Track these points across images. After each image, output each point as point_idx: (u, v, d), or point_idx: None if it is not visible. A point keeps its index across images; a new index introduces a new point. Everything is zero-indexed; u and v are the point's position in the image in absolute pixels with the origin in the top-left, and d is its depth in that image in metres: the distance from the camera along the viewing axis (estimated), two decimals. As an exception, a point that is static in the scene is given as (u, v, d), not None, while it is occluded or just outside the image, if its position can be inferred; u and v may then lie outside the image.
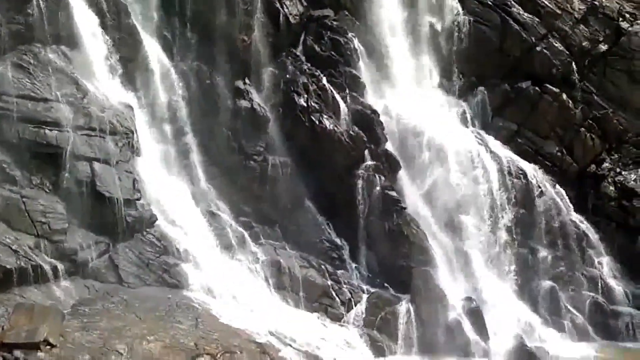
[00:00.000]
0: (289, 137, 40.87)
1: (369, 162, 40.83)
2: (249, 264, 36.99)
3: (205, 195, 38.64)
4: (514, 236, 42.16)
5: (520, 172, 43.33)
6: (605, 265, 42.80)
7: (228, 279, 35.44)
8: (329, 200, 40.29)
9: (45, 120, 32.87)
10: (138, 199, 34.51)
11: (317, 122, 40.01)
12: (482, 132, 44.80)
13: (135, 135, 35.90)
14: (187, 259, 34.88)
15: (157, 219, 35.24)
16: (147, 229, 34.72)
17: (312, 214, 40.21)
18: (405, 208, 40.19)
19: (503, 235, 41.95)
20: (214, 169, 39.49)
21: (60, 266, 31.20)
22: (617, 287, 41.97)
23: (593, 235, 43.25)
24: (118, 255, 33.23)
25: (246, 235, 38.26)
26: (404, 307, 37.85)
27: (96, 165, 33.68)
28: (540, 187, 43.24)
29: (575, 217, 43.45)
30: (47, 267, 30.52)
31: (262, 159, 39.93)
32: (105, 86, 36.19)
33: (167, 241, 34.92)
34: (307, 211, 40.22)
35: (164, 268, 33.91)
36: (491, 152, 43.11)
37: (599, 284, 42.06)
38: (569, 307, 41.20)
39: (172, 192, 37.44)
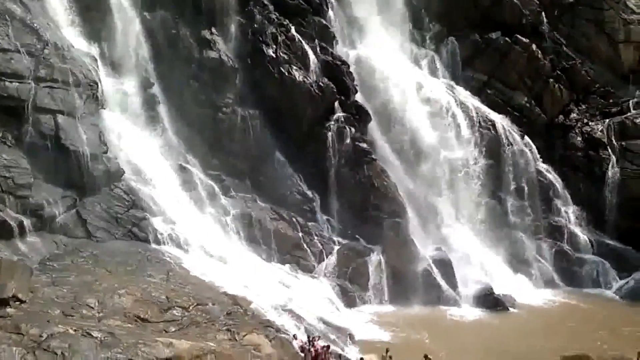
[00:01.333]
0: (258, 88, 40.29)
1: (339, 114, 40.60)
2: (219, 217, 36.75)
3: (173, 149, 38.05)
4: (483, 186, 42.53)
5: (489, 123, 43.56)
6: (571, 214, 43.62)
7: (199, 232, 35.18)
8: (299, 152, 40.03)
9: (4, 71, 31.71)
10: (104, 153, 33.78)
11: (286, 73, 39.45)
12: (452, 83, 44.81)
13: (99, 87, 34.92)
14: (157, 212, 34.44)
15: (124, 173, 34.61)
16: (115, 183, 34.09)
17: (282, 166, 39.96)
18: (375, 159, 40.21)
19: (472, 186, 42.28)
20: (182, 121, 38.82)
21: (27, 221, 30.51)
22: (582, 235, 42.88)
23: (560, 185, 43.94)
24: (86, 209, 32.62)
25: (216, 188, 37.95)
26: (375, 258, 38.32)
27: (60, 118, 32.75)
28: (508, 138, 43.54)
29: (543, 167, 44.05)
30: (12, 223, 29.81)
31: (231, 111, 39.37)
32: (67, 37, 35.06)
33: (136, 195, 34.38)
34: (278, 163, 39.95)
35: (133, 222, 33.45)
36: (461, 103, 43.13)
37: (565, 233, 42.95)
38: (535, 255, 42.06)
39: (139, 145, 36.80)
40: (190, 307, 28.57)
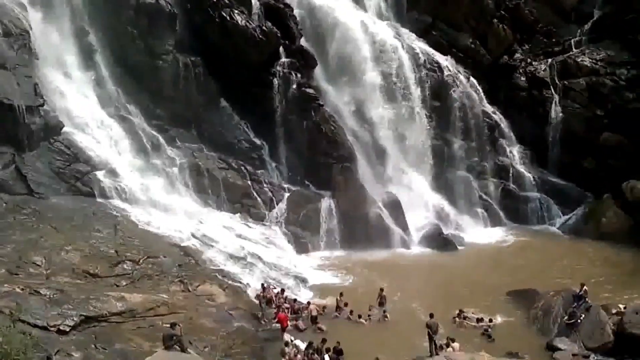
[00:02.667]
0: (199, 34, 38.98)
1: (284, 59, 39.73)
2: (166, 168, 35.87)
3: (113, 99, 36.63)
4: (430, 129, 42.70)
5: (435, 65, 43.38)
6: (516, 154, 44.32)
7: (145, 184, 34.37)
8: (245, 99, 39.11)
9: None
10: (41, 106, 32.29)
11: (227, 18, 38.12)
12: (398, 25, 44.24)
13: (31, 36, 33.17)
14: (100, 166, 33.39)
15: (64, 126, 33.29)
16: (55, 137, 32.78)
17: (228, 114, 39.12)
18: (322, 105, 39.72)
19: (419, 129, 42.39)
20: (121, 70, 37.22)
21: (-38, 179, 29.27)
22: (527, 174, 43.70)
23: (505, 125, 44.45)
24: (25, 165, 31.29)
25: (161, 138, 36.91)
26: (325, 203, 38.29)
27: (-10, 70, 31.09)
28: (454, 80, 43.56)
29: (488, 108, 44.35)
30: (-54, 181, 28.56)
31: (172, 59, 37.94)
32: (-7, -17, 33.04)
33: (77, 149, 33.21)
34: (223, 111, 39.08)
35: (76, 176, 32.39)
36: (406, 45, 42.73)
37: (510, 172, 43.68)
38: (482, 194, 42.78)
39: (77, 97, 35.35)
40: (141, 260, 28.17)
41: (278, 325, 26.19)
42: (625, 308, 26.65)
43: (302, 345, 24.88)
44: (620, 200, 39.47)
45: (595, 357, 24.84)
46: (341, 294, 29.22)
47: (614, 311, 26.93)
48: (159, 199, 34.20)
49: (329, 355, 20.97)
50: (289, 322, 26.56)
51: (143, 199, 33.58)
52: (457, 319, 27.80)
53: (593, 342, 25.70)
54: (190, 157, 37.10)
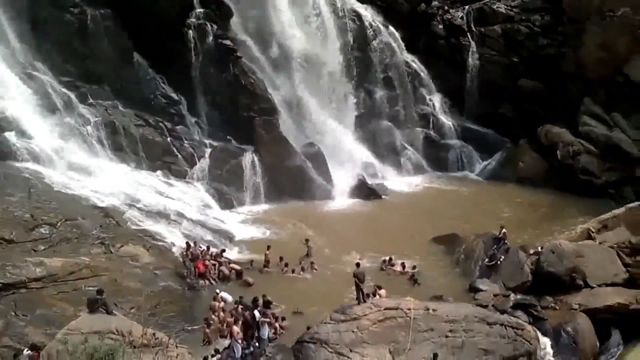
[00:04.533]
0: (107, -15, 37.00)
1: (199, 10, 38.25)
2: (79, 127, 34.23)
3: (18, 56, 34.41)
4: (351, 79, 42.50)
5: (354, 14, 42.94)
6: (436, 102, 44.88)
7: (58, 145, 32.74)
8: (159, 53, 37.42)
9: None
10: (-61, 64, 30.04)
11: (136, -34, 36.29)
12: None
13: None
14: (9, 127, 31.49)
15: (-34, 86, 31.17)
16: (-45, 98, 30.67)
17: (142, 68, 37.46)
18: (241, 57, 38.60)
19: (340, 79, 42.12)
20: (25, 25, 34.84)
21: None
22: (447, 122, 44.44)
23: (425, 74, 44.74)
24: None
25: (72, 96, 34.99)
26: (248, 157, 37.74)
27: None
28: (374, 29, 43.32)
29: (408, 57, 44.47)
30: None
31: (79, 12, 35.81)
32: None
33: (-18, 110, 31.21)
34: (137, 66, 37.37)
35: (-17, 139, 30.52)
36: (325, -6, 42.01)
37: (431, 120, 44.28)
38: (404, 144, 43.23)
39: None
40: (59, 224, 27.00)
41: (226, 296, 25.78)
42: (542, 248, 27.52)
43: (230, 298, 24.86)
44: (536, 144, 40.74)
45: (515, 296, 25.66)
46: (268, 247, 29.04)
47: (531, 251, 27.84)
48: (74, 159, 32.67)
49: (257, 310, 20.76)
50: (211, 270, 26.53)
51: (57, 160, 31.99)
52: (383, 266, 28.19)
53: (513, 282, 26.56)
54: (105, 115, 35.46)
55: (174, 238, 29.87)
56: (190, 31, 37.71)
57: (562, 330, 23.52)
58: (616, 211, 30.16)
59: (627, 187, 36.75)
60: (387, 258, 28.53)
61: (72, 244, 26.28)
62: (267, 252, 28.75)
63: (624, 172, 37.34)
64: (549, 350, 23.19)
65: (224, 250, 28.76)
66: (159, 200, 32.80)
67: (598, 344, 23.80)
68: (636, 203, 30.65)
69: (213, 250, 28.45)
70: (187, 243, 28.58)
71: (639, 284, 24.92)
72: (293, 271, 27.93)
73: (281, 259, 28.41)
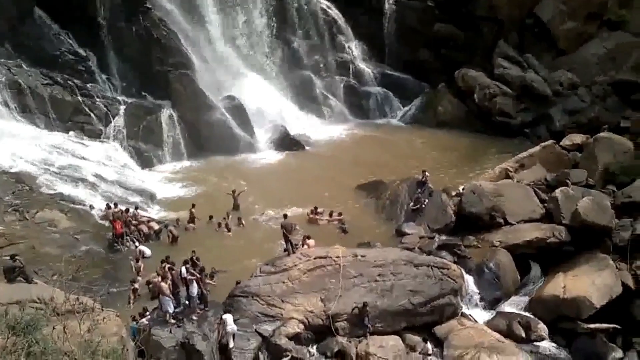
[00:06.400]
0: None
1: (104, -42, 36.22)
2: (-21, 90, 32.14)
3: None
4: (269, 29, 41.56)
5: (266, -39, 41.72)
6: (354, 50, 44.53)
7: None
8: (62, 6, 35.11)
9: None
10: None
11: None
12: None
13: None
14: None
15: None
16: None
17: (45, 24, 35.07)
18: (150, 8, 36.87)
19: (258, 28, 41.15)
20: None
21: None
22: (367, 69, 44.26)
23: (342, 21, 44.20)
24: None
25: (-32, 57, 32.77)
26: (165, 113, 36.47)
27: None
28: (289, -24, 42.29)
29: (325, 4, 43.78)
30: None
31: (-34, -35, 33.30)
32: None
33: None
34: (39, 22, 34.94)
35: None
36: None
37: (351, 68, 43.99)
38: (325, 93, 42.88)
39: None
40: (-37, 194, 25.52)
41: (143, 249, 25.14)
42: (463, 189, 28.19)
43: (148, 251, 24.72)
44: (454, 89, 41.30)
45: (440, 237, 26.26)
46: (193, 205, 28.40)
47: (453, 193, 28.47)
48: (-23, 123, 30.78)
49: (185, 267, 20.34)
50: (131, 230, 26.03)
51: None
52: (311, 216, 28.14)
53: (437, 224, 27.18)
54: (8, 75, 33.19)
55: (93, 201, 28.79)
56: (95, -19, 35.67)
57: (484, 267, 24.36)
58: (532, 150, 31.21)
59: (541, 126, 37.83)
60: (313, 208, 28.45)
61: (-17, 212, 24.97)
62: (193, 209, 28.14)
63: (538, 111, 38.41)
64: (473, 286, 24.02)
65: (137, 208, 27.92)
66: (74, 162, 31.33)
67: (519, 277, 24.80)
68: (550, 141, 31.72)
69: (132, 210, 27.56)
70: (107, 205, 27.62)
71: (554, 218, 25.92)
72: (219, 225, 27.48)
73: (210, 217, 27.90)
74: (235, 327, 19.21)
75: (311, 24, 42.89)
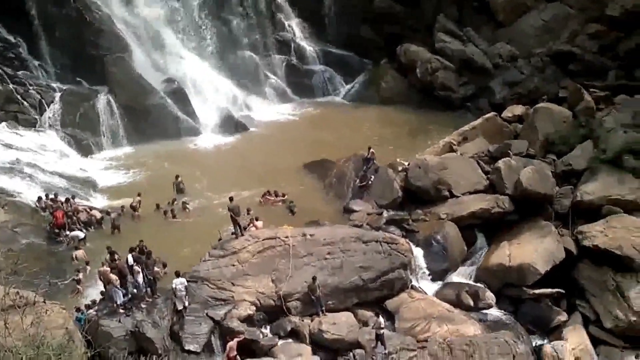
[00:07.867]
0: None
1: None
2: None
3: None
4: (206, 9, 40.64)
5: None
6: (295, 28, 43.94)
7: None
8: (-15, -10, 33.78)
9: None
10: None
11: None
12: None
13: None
14: None
15: None
16: None
17: (-31, 11, 33.71)
18: (81, -10, 35.70)
19: (195, 8, 40.20)
20: None
21: None
22: (308, 47, 43.75)
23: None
24: None
25: None
26: (102, 99, 35.41)
27: None
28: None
29: (263, -19, 43.04)
30: None
31: None
32: None
33: None
34: (-37, 8, 33.58)
35: None
36: None
37: (292, 47, 43.46)
38: (267, 72, 42.27)
39: None
40: None
41: (76, 233, 24.46)
42: (408, 164, 28.41)
43: (81, 234, 24.44)
44: (397, 64, 41.37)
45: (388, 213, 26.44)
46: (139, 194, 27.63)
47: (399, 168, 28.68)
48: None
49: (130, 256, 19.90)
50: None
51: None
52: (261, 199, 27.86)
53: (384, 200, 27.39)
54: None
55: (32, 192, 27.75)
56: (19, -38, 34.18)
57: (432, 240, 24.79)
58: (474, 123, 31.68)
59: (482, 98, 38.30)
60: (268, 191, 28.18)
61: None
62: (138, 197, 27.42)
63: (479, 84, 38.83)
64: (422, 259, 24.33)
65: (73, 197, 27.02)
66: (8, 153, 30.21)
67: (466, 248, 25.31)
68: (492, 113, 32.25)
69: (71, 200, 26.71)
70: (46, 195, 26.70)
71: (498, 189, 26.40)
72: (165, 213, 26.91)
73: (158, 205, 27.28)
74: (183, 291, 19.53)
75: (249, 3, 42.05)
